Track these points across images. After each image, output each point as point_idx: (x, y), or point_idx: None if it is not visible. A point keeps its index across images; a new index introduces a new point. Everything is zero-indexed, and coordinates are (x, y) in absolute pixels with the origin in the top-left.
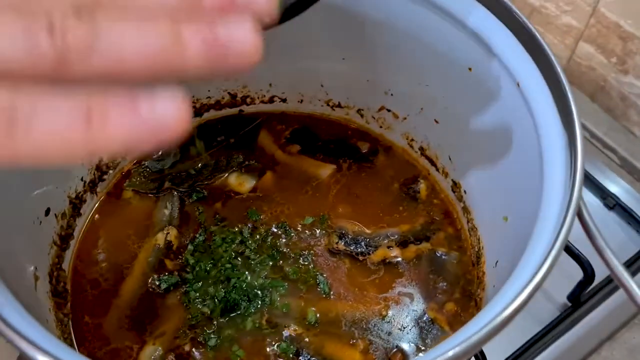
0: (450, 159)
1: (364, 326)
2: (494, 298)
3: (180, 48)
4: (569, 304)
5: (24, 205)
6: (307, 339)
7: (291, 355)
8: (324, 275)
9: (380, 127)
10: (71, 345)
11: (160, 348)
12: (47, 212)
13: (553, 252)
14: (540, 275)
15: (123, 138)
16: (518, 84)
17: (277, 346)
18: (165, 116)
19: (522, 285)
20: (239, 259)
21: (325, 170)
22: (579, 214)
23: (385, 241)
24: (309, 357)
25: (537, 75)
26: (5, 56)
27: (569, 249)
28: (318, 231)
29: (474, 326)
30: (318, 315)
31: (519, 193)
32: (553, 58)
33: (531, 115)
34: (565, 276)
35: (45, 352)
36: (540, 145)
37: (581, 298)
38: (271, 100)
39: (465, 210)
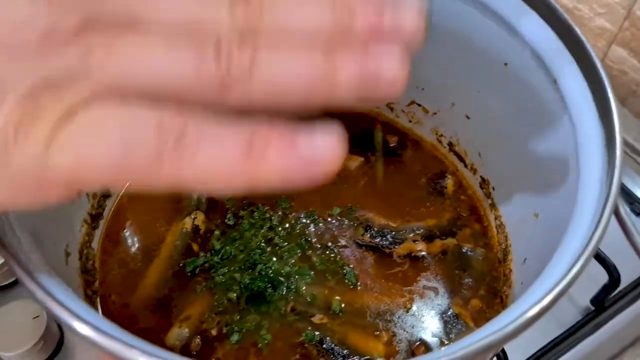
0: (480, 155)
1: (388, 318)
2: (522, 296)
3: (334, 79)
4: (592, 308)
5: None
6: (331, 328)
7: (315, 343)
8: (351, 267)
9: (410, 121)
10: None
11: (187, 330)
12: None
13: (588, 249)
14: (572, 273)
15: (280, 172)
16: (555, 81)
17: (302, 334)
18: (322, 153)
19: (553, 284)
20: (268, 245)
21: (353, 162)
22: (616, 211)
23: (411, 235)
24: (332, 345)
25: (576, 72)
26: (177, 76)
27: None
28: (345, 222)
29: (500, 322)
30: (343, 305)
31: (552, 190)
32: (594, 55)
33: (568, 112)
34: (590, 279)
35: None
36: (576, 142)
37: (605, 302)
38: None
39: (493, 207)
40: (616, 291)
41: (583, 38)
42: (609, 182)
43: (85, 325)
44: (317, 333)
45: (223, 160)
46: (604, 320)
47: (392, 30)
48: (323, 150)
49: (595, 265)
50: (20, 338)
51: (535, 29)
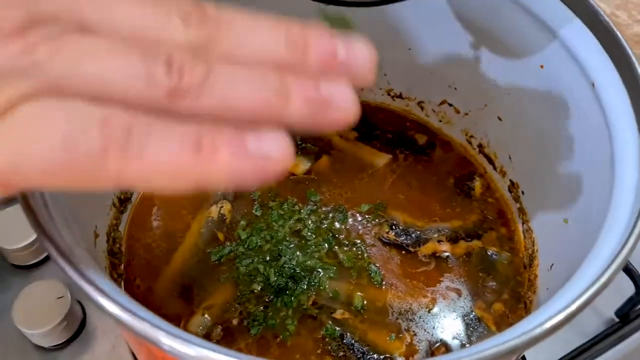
0: (510, 158)
1: (410, 317)
2: (547, 302)
3: (285, 101)
4: (617, 320)
5: None
6: (352, 324)
7: (336, 338)
8: (377, 265)
9: (440, 121)
10: None
11: (209, 318)
12: None
13: (618, 260)
14: (601, 282)
15: (229, 171)
16: (593, 84)
17: (323, 328)
18: (271, 153)
19: (580, 291)
20: (294, 237)
21: (381, 160)
22: None
23: (436, 235)
24: (353, 341)
25: (615, 77)
26: (124, 82)
27: None
28: (371, 219)
29: (524, 326)
30: (365, 302)
31: (583, 196)
32: (634, 60)
33: (605, 118)
34: (616, 290)
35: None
36: (612, 148)
37: (630, 315)
38: None
39: (522, 211)
40: None
41: (624, 43)
42: None
43: (113, 303)
44: (337, 328)
45: (171, 157)
46: (628, 333)
47: (343, 67)
48: (273, 148)
49: (621, 277)
50: (44, 317)
51: (574, 31)
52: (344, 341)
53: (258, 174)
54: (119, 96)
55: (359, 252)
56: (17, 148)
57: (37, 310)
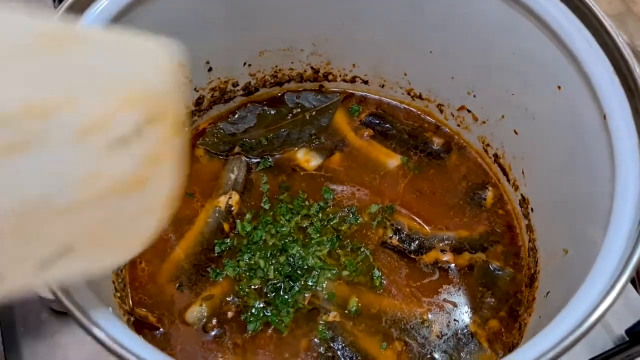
0: (523, 173)
1: (403, 327)
2: (541, 333)
3: None
4: (627, 338)
5: None
6: (344, 328)
7: (326, 340)
8: (379, 270)
9: (458, 125)
10: (123, 288)
11: (206, 309)
12: None
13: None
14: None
15: None
16: (605, 116)
17: (315, 328)
18: None
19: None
20: (300, 234)
21: (394, 161)
22: None
23: (440, 244)
24: (342, 346)
25: (627, 111)
26: None
27: (634, 282)
28: (378, 221)
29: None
30: (359, 305)
31: (585, 226)
32: None
33: (611, 149)
34: (628, 309)
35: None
36: (614, 183)
37: None
38: (353, 80)
39: (529, 228)
40: None
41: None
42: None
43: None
44: (329, 331)
45: None
46: (637, 352)
47: None
48: None
49: (634, 296)
50: None
51: (595, 59)
52: (333, 344)
53: None
54: None
55: (362, 256)
56: None
57: None
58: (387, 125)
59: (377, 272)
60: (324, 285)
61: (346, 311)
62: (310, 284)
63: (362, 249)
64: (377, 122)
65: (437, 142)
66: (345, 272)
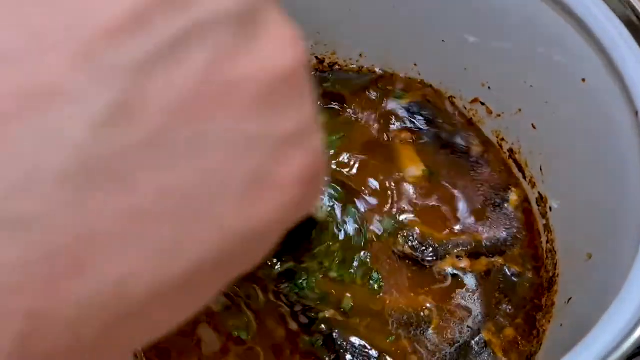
0: (541, 169)
1: (412, 330)
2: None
3: None
4: None
5: None
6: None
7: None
8: (379, 274)
9: (471, 119)
10: None
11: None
12: None
13: None
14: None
15: None
16: (637, 113)
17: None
18: None
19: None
20: None
21: (416, 171)
22: None
23: (456, 250)
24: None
25: None
26: None
27: None
28: (390, 226)
29: None
30: (352, 304)
31: (612, 230)
32: None
33: None
34: None
35: None
36: None
37: None
38: (359, 71)
39: (547, 228)
40: None
41: None
42: None
43: None
44: (324, 326)
45: None
46: None
47: None
48: None
49: None
50: None
51: (627, 51)
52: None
53: None
54: None
55: (367, 260)
56: None
57: None
58: (429, 118)
59: (375, 275)
60: (314, 284)
61: (342, 310)
62: (306, 286)
63: (366, 256)
64: (420, 113)
65: (475, 151)
66: (345, 274)
